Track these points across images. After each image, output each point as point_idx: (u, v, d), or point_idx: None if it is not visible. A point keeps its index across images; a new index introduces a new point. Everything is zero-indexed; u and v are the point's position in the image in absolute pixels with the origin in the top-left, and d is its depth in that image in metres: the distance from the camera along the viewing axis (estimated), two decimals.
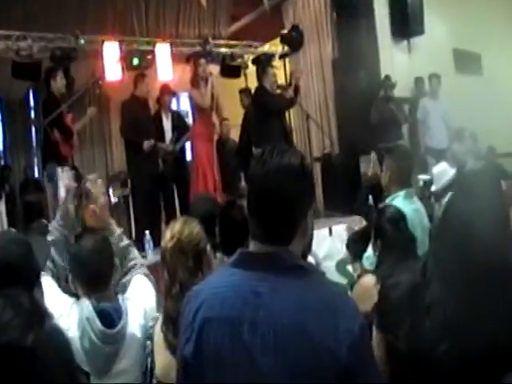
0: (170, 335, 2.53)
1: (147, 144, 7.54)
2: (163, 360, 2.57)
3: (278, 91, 8.43)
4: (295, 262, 1.60)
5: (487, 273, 1.70)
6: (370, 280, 3.20)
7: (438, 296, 1.77)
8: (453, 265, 1.78)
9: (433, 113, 9.06)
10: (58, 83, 7.25)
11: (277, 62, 10.30)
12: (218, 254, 3.25)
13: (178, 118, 8.62)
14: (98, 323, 2.58)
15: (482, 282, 1.70)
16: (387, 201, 3.96)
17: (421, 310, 1.79)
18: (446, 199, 2.11)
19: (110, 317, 2.63)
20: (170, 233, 2.71)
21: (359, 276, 3.69)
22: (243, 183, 9.32)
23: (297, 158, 1.64)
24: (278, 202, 1.57)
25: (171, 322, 2.54)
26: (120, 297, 2.81)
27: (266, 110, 7.99)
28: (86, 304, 2.61)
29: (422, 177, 5.46)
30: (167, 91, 8.56)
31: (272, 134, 7.74)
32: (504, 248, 1.78)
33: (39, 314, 1.36)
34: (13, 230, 3.54)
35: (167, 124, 8.37)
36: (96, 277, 2.72)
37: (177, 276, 2.61)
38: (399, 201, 3.87)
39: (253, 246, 1.63)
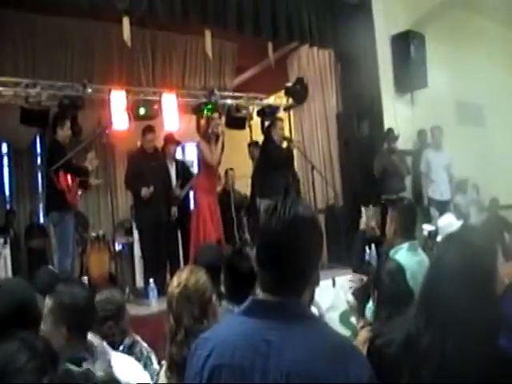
0: (174, 380, 2.56)
1: (145, 191, 7.55)
2: None
3: (285, 144, 8.51)
4: (305, 312, 1.62)
5: (475, 324, 1.78)
6: (362, 336, 3.24)
7: (433, 343, 1.83)
8: (444, 314, 1.84)
9: (435, 164, 9.10)
10: (64, 132, 7.30)
11: (281, 114, 10.42)
12: (224, 302, 3.26)
13: (182, 166, 8.70)
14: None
15: (476, 328, 1.80)
16: (391, 253, 3.98)
17: (417, 360, 1.84)
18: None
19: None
20: (177, 280, 2.75)
21: (362, 327, 3.70)
22: (247, 234, 9.35)
23: (309, 210, 1.67)
24: (292, 254, 1.58)
25: (175, 367, 2.57)
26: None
27: (273, 161, 8.10)
28: None
29: (427, 227, 5.47)
30: (171, 140, 8.70)
31: (277, 185, 7.81)
32: (492, 300, 1.90)
33: (53, 358, 1.36)
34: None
35: (172, 171, 8.48)
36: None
37: (182, 322, 2.64)
38: (403, 253, 3.89)
39: (262, 296, 1.64)
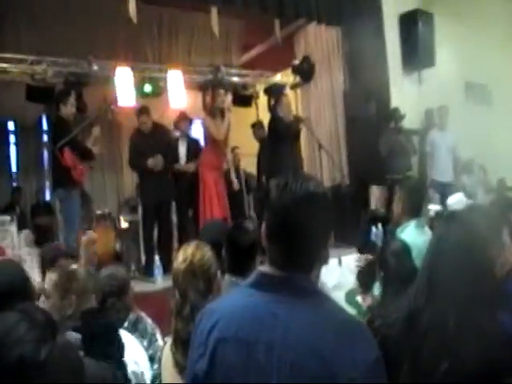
0: (179, 355, 2.56)
1: (152, 161, 7.54)
2: (170, 380, 2.60)
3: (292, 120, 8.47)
4: (313, 287, 1.62)
5: (479, 297, 1.77)
6: None
7: (434, 320, 1.83)
8: (444, 291, 1.83)
9: (440, 145, 9.03)
10: (68, 108, 7.26)
11: (288, 93, 10.36)
12: (226, 276, 3.27)
13: (192, 143, 8.63)
14: None
15: (476, 305, 1.82)
16: (398, 231, 3.98)
17: (418, 338, 1.84)
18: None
19: None
20: (183, 256, 2.76)
21: (370, 307, 3.71)
22: (252, 212, 9.34)
23: (320, 187, 1.66)
24: (303, 230, 1.57)
25: (180, 342, 2.57)
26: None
27: (281, 139, 8.02)
28: None
29: (434, 207, 5.46)
30: (184, 118, 8.67)
31: (286, 163, 7.77)
32: (491, 278, 1.93)
33: (53, 329, 1.36)
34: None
35: (182, 149, 8.44)
36: None
37: (188, 297, 2.65)
38: (410, 230, 3.90)
39: (271, 270, 1.63)
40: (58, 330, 1.38)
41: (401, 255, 3.32)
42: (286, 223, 1.59)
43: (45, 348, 1.28)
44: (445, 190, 8.18)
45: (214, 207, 7.47)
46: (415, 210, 4.09)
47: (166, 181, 7.88)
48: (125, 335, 2.92)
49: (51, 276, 2.83)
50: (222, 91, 8.09)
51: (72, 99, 7.37)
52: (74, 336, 2.38)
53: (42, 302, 3.19)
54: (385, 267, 3.36)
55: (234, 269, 3.23)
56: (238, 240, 3.16)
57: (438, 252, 2.00)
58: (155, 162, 7.54)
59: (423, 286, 1.98)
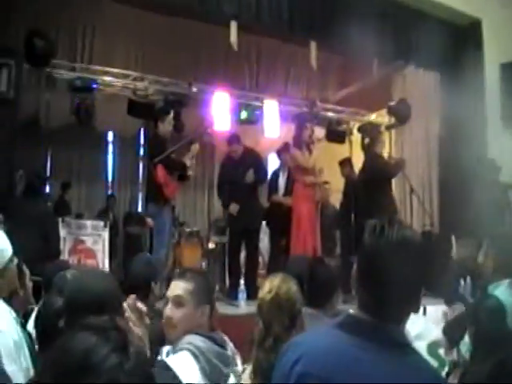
0: None
1: (233, 208, 7.72)
2: None
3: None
4: (402, 338, 1.61)
5: None
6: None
7: None
8: None
9: None
10: (166, 126, 7.47)
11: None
12: (304, 308, 3.29)
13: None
14: (215, 346, 2.67)
15: None
16: (490, 289, 3.87)
17: None
18: None
19: (221, 341, 2.76)
20: (269, 286, 2.78)
21: (455, 363, 3.62)
22: (338, 249, 9.28)
23: (416, 235, 1.66)
24: (398, 279, 1.56)
25: (260, 372, 2.58)
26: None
27: (379, 177, 7.98)
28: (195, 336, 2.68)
29: None
30: (287, 149, 8.70)
31: (382, 203, 7.73)
32: None
33: (126, 345, 1.36)
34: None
35: (282, 180, 8.55)
36: None
37: (272, 329, 2.66)
38: (503, 290, 3.77)
39: (359, 314, 1.63)
40: (128, 343, 1.38)
41: (495, 314, 3.22)
42: (379, 268, 1.59)
43: (123, 373, 1.26)
44: None
45: (306, 239, 7.47)
46: (509, 267, 3.96)
47: (254, 207, 7.97)
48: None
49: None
50: (308, 125, 8.15)
51: (170, 118, 7.59)
52: None
53: None
54: (477, 324, 3.28)
55: (312, 301, 3.26)
56: (317, 273, 3.19)
57: None
58: (236, 209, 7.70)
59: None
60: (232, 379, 2.96)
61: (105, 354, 1.26)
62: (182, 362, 2.46)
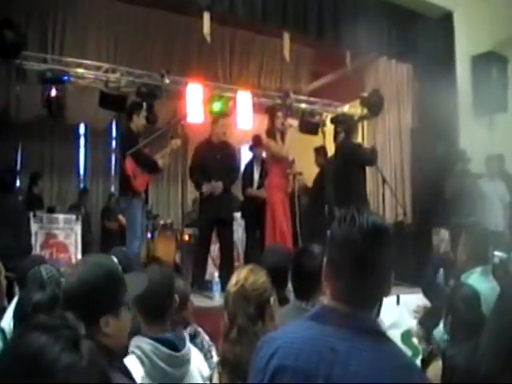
0: (225, 377, 2.56)
1: (206, 187, 7.55)
2: None
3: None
4: (375, 327, 1.62)
5: None
6: (435, 369, 3.26)
7: (492, 371, 1.80)
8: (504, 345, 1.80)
9: (489, 194, 8.61)
10: (140, 120, 7.36)
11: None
12: (292, 300, 3.29)
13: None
14: (163, 349, 2.61)
15: None
16: (463, 277, 3.94)
17: None
18: None
19: (173, 343, 2.67)
20: (236, 278, 2.76)
21: (431, 352, 3.66)
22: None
23: (385, 222, 1.68)
24: (372, 266, 1.58)
25: (228, 363, 2.56)
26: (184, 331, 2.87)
27: (357, 165, 8.00)
28: (142, 339, 2.65)
29: (498, 254, 5.36)
30: (259, 142, 8.69)
31: (355, 192, 7.72)
32: None
33: (77, 340, 1.32)
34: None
35: (256, 173, 8.55)
36: (154, 310, 2.78)
37: (236, 321, 2.63)
38: (475, 277, 3.85)
39: (334, 305, 1.64)
40: (80, 339, 1.34)
41: (471, 301, 3.29)
42: (352, 257, 1.59)
43: (76, 373, 1.24)
44: (495, 239, 7.99)
45: (281, 229, 7.43)
46: (481, 256, 4.04)
47: (226, 199, 7.82)
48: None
49: None
50: (279, 114, 8.05)
51: (143, 112, 7.48)
52: None
53: None
54: (454, 312, 3.33)
55: (300, 293, 3.25)
56: (304, 264, 3.19)
57: (500, 304, 1.97)
58: (209, 188, 7.54)
59: (484, 338, 1.95)
60: (206, 371, 2.97)
61: (55, 355, 1.24)
62: (129, 366, 2.40)
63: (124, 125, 8.05)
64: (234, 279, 2.77)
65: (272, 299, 2.78)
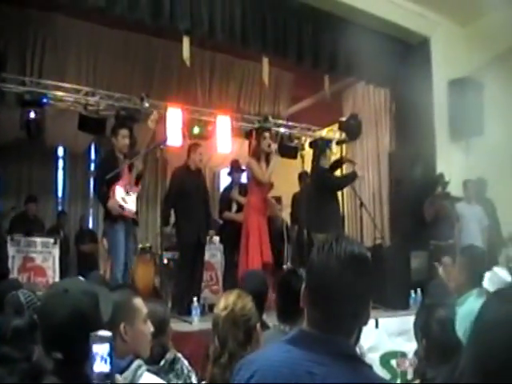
0: None
1: (169, 230, 7.91)
2: None
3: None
4: (351, 352, 1.62)
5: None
6: None
7: None
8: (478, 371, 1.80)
9: (467, 217, 8.76)
10: (124, 140, 7.03)
11: (333, 148, 10.39)
12: (275, 323, 3.28)
13: (244, 191, 8.58)
14: None
15: None
16: (459, 301, 3.92)
17: None
18: None
19: None
20: (224, 303, 2.78)
21: (415, 371, 3.66)
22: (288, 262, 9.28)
23: (363, 249, 1.67)
24: (347, 295, 1.59)
25: None
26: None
27: (327, 190, 8.01)
28: None
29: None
30: (237, 167, 8.73)
31: (333, 218, 7.77)
32: None
33: (38, 378, 1.31)
34: (81, 278, 3.56)
35: (235, 196, 8.52)
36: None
37: (227, 346, 2.66)
38: (473, 300, 3.83)
39: (311, 330, 1.64)
40: (42, 373, 1.33)
41: (445, 324, 3.23)
42: (328, 284, 1.60)
43: None
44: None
45: (255, 252, 7.31)
46: (477, 278, 4.01)
47: (203, 221, 7.89)
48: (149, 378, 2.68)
49: None
50: (267, 134, 7.89)
51: (125, 131, 7.17)
52: None
53: None
54: (428, 335, 3.28)
55: (283, 316, 3.24)
56: (292, 285, 3.16)
57: (476, 325, 1.98)
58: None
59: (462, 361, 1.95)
60: None
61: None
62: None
63: (106, 148, 7.97)
64: (222, 303, 2.80)
65: (258, 325, 2.80)
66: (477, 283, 3.95)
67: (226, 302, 2.79)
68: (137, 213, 7.14)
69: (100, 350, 1.69)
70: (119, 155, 6.95)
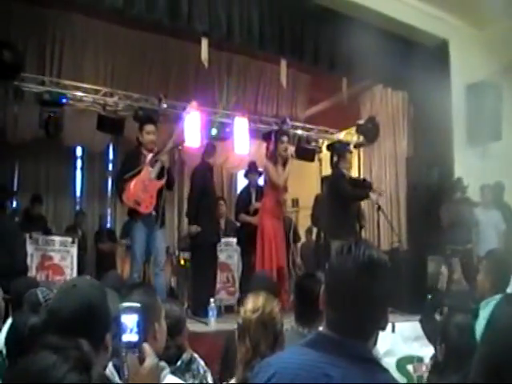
0: None
1: (194, 229, 7.62)
2: None
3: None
4: (369, 355, 1.63)
5: None
6: None
7: None
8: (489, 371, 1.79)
9: (484, 222, 8.72)
10: (147, 137, 6.85)
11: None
12: (293, 325, 3.28)
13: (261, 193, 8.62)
14: None
15: None
16: (482, 305, 3.89)
17: None
18: None
19: None
20: (254, 305, 2.78)
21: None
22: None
23: (382, 254, 1.68)
24: (366, 298, 1.60)
25: None
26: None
27: (343, 197, 7.97)
28: None
29: None
30: (254, 169, 8.79)
31: (349, 225, 7.77)
32: None
33: (87, 364, 1.34)
34: (88, 276, 3.61)
35: (253, 199, 8.55)
36: None
37: (260, 349, 2.67)
38: (494, 305, 3.78)
39: (329, 333, 1.65)
40: (92, 364, 1.36)
41: (464, 328, 3.22)
42: (347, 289, 1.62)
43: None
44: None
45: (271, 254, 7.32)
46: (502, 284, 3.94)
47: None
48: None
49: None
50: (285, 138, 7.95)
51: (151, 127, 7.00)
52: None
53: None
54: (446, 339, 3.27)
55: (300, 318, 3.24)
56: (310, 288, 3.17)
57: (488, 329, 1.97)
58: (196, 230, 7.63)
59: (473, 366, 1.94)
60: None
61: (63, 374, 1.26)
62: None
63: (122, 146, 7.91)
64: (250, 305, 2.81)
65: (284, 329, 2.82)
66: (501, 288, 3.91)
67: (256, 304, 2.80)
68: (163, 213, 6.97)
69: (128, 320, 1.72)
70: (145, 152, 6.86)
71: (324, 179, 9.81)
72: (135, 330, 1.73)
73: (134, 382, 1.66)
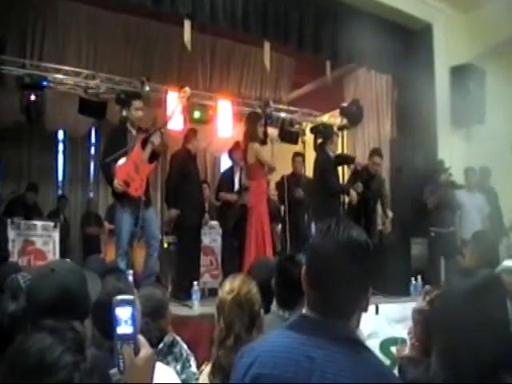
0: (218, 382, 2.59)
1: (173, 213, 7.64)
2: None
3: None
4: (351, 335, 1.63)
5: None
6: None
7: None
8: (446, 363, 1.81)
9: (467, 205, 8.81)
10: (135, 113, 6.65)
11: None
12: (274, 308, 3.27)
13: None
14: None
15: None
16: None
17: None
18: None
19: None
20: (230, 286, 2.80)
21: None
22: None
23: (363, 234, 1.67)
24: (345, 278, 1.59)
25: (221, 370, 2.60)
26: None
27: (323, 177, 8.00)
28: None
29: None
30: (238, 148, 8.51)
31: (334, 208, 7.79)
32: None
33: (82, 345, 1.37)
34: (68, 260, 3.59)
35: (236, 178, 8.54)
36: None
37: (233, 329, 2.68)
38: None
39: (311, 314, 1.66)
40: (85, 346, 1.38)
41: None
42: (327, 270, 1.61)
43: (78, 372, 1.29)
44: None
45: (263, 235, 7.17)
46: (492, 263, 3.94)
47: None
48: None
49: None
50: (262, 121, 7.72)
51: (139, 103, 6.77)
52: None
53: None
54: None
55: (282, 302, 3.24)
56: (290, 272, 3.17)
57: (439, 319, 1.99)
58: (175, 213, 7.65)
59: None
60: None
61: (59, 354, 1.30)
62: None
63: (104, 130, 7.78)
64: (227, 287, 2.82)
65: (262, 311, 2.82)
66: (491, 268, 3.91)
67: (232, 285, 2.81)
68: (149, 196, 6.78)
69: (122, 313, 1.72)
70: (131, 129, 6.63)
71: (295, 156, 9.73)
72: (130, 322, 1.73)
73: (130, 373, 1.67)
